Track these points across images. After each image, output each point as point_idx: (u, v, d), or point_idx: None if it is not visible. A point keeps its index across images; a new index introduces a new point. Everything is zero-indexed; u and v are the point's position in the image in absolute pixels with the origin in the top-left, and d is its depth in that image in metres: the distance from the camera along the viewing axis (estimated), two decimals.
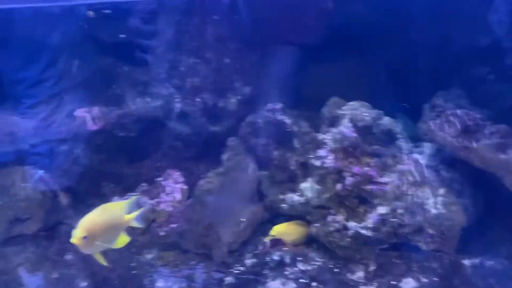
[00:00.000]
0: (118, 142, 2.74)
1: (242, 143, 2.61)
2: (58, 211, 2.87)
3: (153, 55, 2.77)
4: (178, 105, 2.75)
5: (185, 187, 2.76)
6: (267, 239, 2.59)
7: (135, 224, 2.06)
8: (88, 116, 2.77)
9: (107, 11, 2.58)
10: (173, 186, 2.77)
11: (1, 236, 2.72)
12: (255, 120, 2.57)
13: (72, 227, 2.84)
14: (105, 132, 2.71)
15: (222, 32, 2.68)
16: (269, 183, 2.59)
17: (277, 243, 2.58)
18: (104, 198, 2.97)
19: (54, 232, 2.79)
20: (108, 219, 1.97)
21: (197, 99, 2.78)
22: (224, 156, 2.59)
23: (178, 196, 2.75)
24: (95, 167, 2.80)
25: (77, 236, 1.89)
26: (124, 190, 2.82)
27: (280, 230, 2.60)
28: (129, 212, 2.05)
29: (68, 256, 2.78)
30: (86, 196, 2.89)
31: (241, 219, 2.57)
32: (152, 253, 2.67)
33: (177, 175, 2.79)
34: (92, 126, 2.78)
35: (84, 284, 2.74)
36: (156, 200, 2.73)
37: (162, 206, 2.69)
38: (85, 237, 1.89)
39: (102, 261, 2.05)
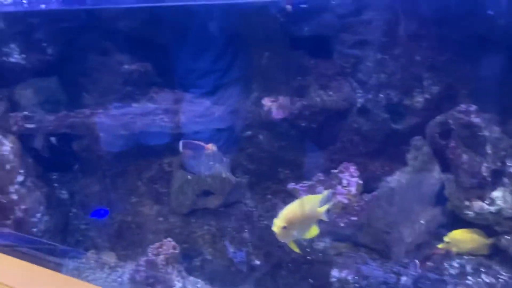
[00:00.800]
0: (299, 132, 2.65)
1: (428, 143, 2.43)
2: (236, 190, 3.02)
3: (340, 49, 2.73)
4: (360, 100, 2.60)
5: (361, 181, 2.68)
6: (441, 246, 2.44)
7: (324, 217, 2.03)
8: (274, 105, 2.83)
9: (303, 5, 2.59)
10: (349, 179, 2.67)
11: (188, 207, 2.91)
12: (446, 120, 2.31)
13: (247, 206, 3.10)
14: (288, 121, 2.64)
15: (415, 29, 2.54)
16: (454, 188, 2.32)
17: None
18: (278, 183, 2.97)
19: (233, 209, 2.86)
20: (306, 211, 1.97)
21: (381, 95, 2.67)
22: (409, 156, 2.35)
23: (353, 189, 2.66)
24: (275, 153, 2.74)
25: (278, 225, 1.92)
26: (298, 177, 2.74)
27: (456, 237, 2.34)
28: (321, 206, 2.02)
29: (245, 234, 2.93)
30: (262, 178, 2.88)
31: (421, 221, 2.45)
32: (324, 242, 2.68)
33: (353, 169, 2.68)
34: (276, 115, 2.81)
35: (258, 262, 2.85)
36: (331, 191, 2.72)
37: (338, 197, 2.64)
38: (284, 227, 1.91)
39: (296, 249, 2.04)
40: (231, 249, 2.66)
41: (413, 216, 2.29)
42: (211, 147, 2.82)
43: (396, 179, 2.34)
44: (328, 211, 2.01)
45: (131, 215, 2.99)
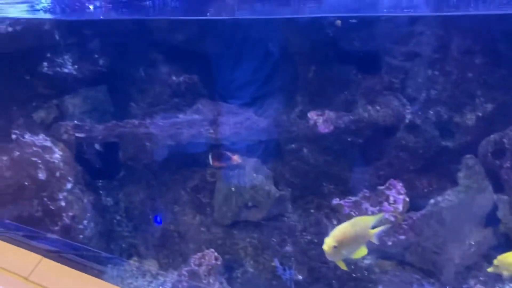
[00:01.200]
0: (344, 146, 2.63)
1: (480, 162, 2.38)
2: (279, 203, 3.01)
3: (389, 64, 2.71)
4: (409, 116, 2.61)
5: (407, 199, 2.64)
6: (490, 270, 2.36)
7: (374, 239, 2.02)
8: (320, 119, 2.83)
9: (353, 21, 2.59)
10: (396, 196, 2.63)
11: (231, 219, 2.88)
12: (500, 139, 2.27)
13: (290, 219, 3.10)
14: (334, 136, 2.63)
15: (468, 45, 2.51)
16: (508, 209, 2.31)
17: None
18: (322, 197, 2.96)
19: (275, 223, 2.85)
20: (357, 232, 1.98)
21: (430, 112, 2.63)
22: (460, 174, 2.31)
23: (400, 207, 2.62)
24: (319, 167, 2.73)
25: (329, 244, 1.94)
26: (343, 192, 2.72)
27: (507, 259, 2.36)
28: (373, 227, 2.02)
29: (287, 248, 2.92)
30: (306, 192, 2.87)
31: (471, 242, 2.39)
32: (369, 259, 2.65)
33: (400, 186, 2.66)
34: (323, 129, 2.81)
35: (300, 277, 2.84)
36: (378, 208, 2.69)
37: (385, 215, 2.58)
38: (335, 247, 1.93)
39: (344, 267, 2.06)
40: (278, 264, 2.65)
41: (463, 237, 2.24)
42: (236, 158, 2.83)
43: (447, 198, 2.30)
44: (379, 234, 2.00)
45: (174, 224, 3.04)
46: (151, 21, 2.87)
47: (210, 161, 2.84)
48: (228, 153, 2.80)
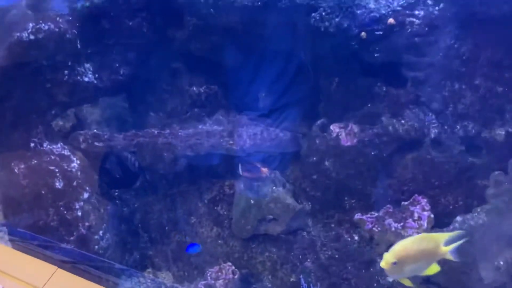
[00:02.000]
0: (368, 160, 2.57)
1: (510, 179, 2.33)
2: (299, 217, 2.96)
3: (414, 77, 2.66)
4: (435, 130, 2.51)
5: (432, 215, 2.58)
6: None
7: (450, 256, 1.91)
8: (343, 132, 2.78)
9: (379, 33, 2.56)
10: (421, 212, 2.57)
11: (249, 232, 2.79)
12: None
13: (310, 234, 3.03)
14: (356, 149, 2.58)
15: (498, 59, 2.46)
16: None
17: None
18: (343, 212, 2.90)
19: (295, 237, 2.78)
20: (422, 249, 1.87)
21: (457, 126, 2.59)
22: (489, 192, 2.26)
23: (424, 223, 2.56)
24: (341, 181, 2.67)
25: (387, 260, 1.86)
26: (365, 207, 2.65)
27: None
28: (448, 244, 1.91)
29: (307, 263, 2.86)
30: (326, 207, 2.80)
31: (500, 262, 2.32)
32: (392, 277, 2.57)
33: (424, 202, 2.60)
34: (345, 142, 2.75)
35: None
36: (401, 224, 2.63)
37: (409, 231, 2.53)
38: (395, 263, 1.84)
39: (409, 284, 1.96)
40: (303, 281, 2.60)
41: (492, 257, 2.18)
42: (266, 171, 2.79)
43: (475, 216, 2.24)
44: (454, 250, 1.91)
45: (190, 236, 3.00)
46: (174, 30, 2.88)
47: (240, 172, 2.80)
48: (258, 165, 2.77)
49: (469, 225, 2.20)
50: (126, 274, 2.90)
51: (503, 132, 2.36)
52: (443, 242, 1.88)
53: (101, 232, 2.82)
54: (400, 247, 1.85)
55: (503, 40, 2.35)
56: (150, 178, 2.91)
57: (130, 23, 2.81)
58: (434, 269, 1.89)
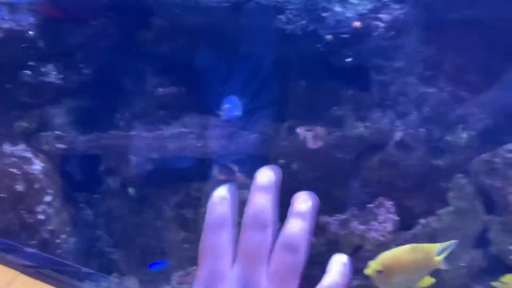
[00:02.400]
0: (334, 163, 2.58)
1: (472, 182, 2.38)
2: None
3: (379, 81, 2.69)
4: (399, 134, 2.58)
5: (397, 218, 2.61)
6: (495, 284, 2.20)
7: (442, 266, 1.87)
8: (309, 135, 2.79)
9: (345, 36, 2.57)
10: (386, 215, 2.61)
11: None
12: (491, 159, 2.27)
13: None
14: (323, 152, 2.58)
15: (460, 63, 2.50)
16: (499, 231, 2.27)
17: None
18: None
19: None
20: (412, 259, 1.82)
21: (421, 130, 2.63)
22: (451, 194, 2.30)
23: (389, 226, 2.59)
24: (308, 183, 2.69)
25: (372, 268, 1.81)
26: (332, 210, 2.73)
27: None
28: (439, 254, 1.86)
29: None
30: None
31: (462, 264, 2.34)
32: (358, 279, 2.58)
33: (389, 204, 2.63)
34: (312, 145, 2.77)
35: None
36: (366, 226, 2.64)
37: (373, 234, 2.56)
38: (380, 272, 1.80)
39: None
40: None
41: (453, 259, 2.20)
42: (223, 176, 2.78)
43: (437, 218, 2.26)
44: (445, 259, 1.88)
45: (156, 240, 2.96)
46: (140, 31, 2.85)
47: (217, 175, 2.78)
48: (232, 167, 2.75)
49: (430, 228, 2.24)
50: (91, 278, 2.85)
51: (466, 136, 2.40)
52: (435, 253, 1.84)
53: (64, 236, 2.77)
54: (388, 255, 1.82)
55: (465, 44, 2.40)
56: (115, 181, 2.88)
57: (95, 23, 2.79)
58: (428, 280, 1.86)
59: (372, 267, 1.83)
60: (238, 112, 3.03)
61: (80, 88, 2.83)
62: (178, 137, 2.82)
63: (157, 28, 2.77)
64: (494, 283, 2.18)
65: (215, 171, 2.79)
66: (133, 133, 2.74)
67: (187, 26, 2.71)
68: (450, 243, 1.90)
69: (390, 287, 1.87)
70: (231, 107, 3.00)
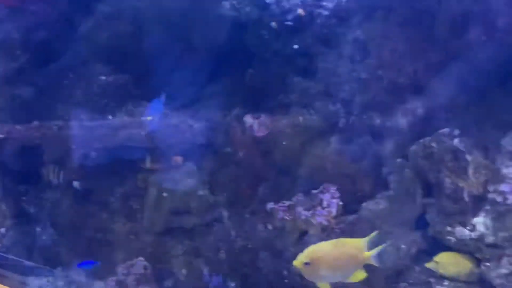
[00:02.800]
0: (280, 150, 2.60)
1: (411, 166, 2.39)
2: (214, 209, 2.87)
3: (323, 68, 2.72)
4: (342, 120, 2.62)
5: (341, 203, 2.65)
6: (428, 265, 2.28)
7: (373, 261, 1.88)
8: (256, 123, 2.79)
9: (289, 23, 2.59)
10: (330, 200, 2.66)
11: (162, 226, 2.71)
12: (429, 144, 2.29)
13: (225, 225, 2.94)
14: (269, 139, 2.60)
15: (400, 50, 2.55)
16: (436, 213, 2.31)
17: None
18: (258, 202, 2.88)
19: (210, 229, 2.72)
20: (339, 253, 1.85)
21: (364, 116, 2.69)
22: (391, 178, 2.35)
23: (333, 211, 2.63)
24: (255, 171, 2.70)
25: (299, 260, 1.84)
26: (278, 197, 2.78)
27: (446, 259, 2.27)
28: (370, 249, 1.87)
29: (221, 255, 2.82)
30: (241, 197, 2.75)
31: (402, 246, 2.41)
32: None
33: (334, 189, 2.67)
34: (258, 132, 2.78)
35: (233, 285, 2.75)
36: (311, 212, 2.68)
37: (318, 219, 2.60)
38: (307, 264, 1.83)
39: None
40: (205, 271, 2.59)
41: (394, 241, 2.27)
42: (179, 159, 2.75)
43: (378, 202, 2.33)
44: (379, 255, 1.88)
45: (102, 232, 2.90)
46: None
47: (147, 163, 2.74)
48: (173, 156, 2.71)
49: (371, 211, 2.30)
50: (35, 272, 2.78)
51: (405, 121, 2.48)
52: (364, 247, 1.86)
53: (3, 230, 2.68)
54: (315, 249, 1.84)
55: (405, 31, 2.46)
56: (57, 172, 2.80)
57: (34, 7, 2.69)
58: (360, 275, 1.87)
59: (299, 259, 1.87)
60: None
61: (18, 75, 2.76)
62: (123, 126, 2.79)
63: (100, 14, 2.74)
64: (427, 264, 2.28)
65: (161, 161, 2.76)
66: (75, 122, 2.70)
67: (131, 13, 2.67)
68: (373, 236, 1.92)
69: (318, 279, 1.90)
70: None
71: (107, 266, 2.88)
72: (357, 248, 1.88)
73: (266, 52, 2.64)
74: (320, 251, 1.86)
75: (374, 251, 1.90)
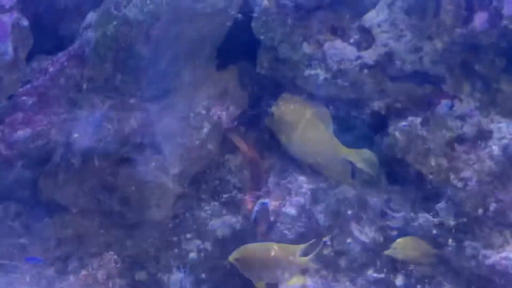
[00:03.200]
0: (249, 141, 2.65)
1: (376, 153, 2.41)
2: (184, 201, 2.83)
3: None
4: (309, 111, 2.62)
5: (309, 192, 2.70)
6: (388, 252, 2.37)
7: (313, 265, 2.07)
8: (224, 114, 2.81)
9: (254, 14, 2.59)
10: (298, 190, 2.71)
11: (132, 219, 2.69)
12: (394, 132, 2.34)
13: (195, 217, 2.90)
14: (239, 130, 2.66)
15: None
16: (400, 200, 2.38)
17: None
18: (227, 193, 2.80)
19: (179, 221, 2.73)
20: (271, 256, 2.02)
21: (329, 107, 2.67)
22: (358, 165, 2.39)
23: (302, 200, 2.68)
24: (224, 162, 2.71)
25: (232, 256, 2.11)
26: (248, 187, 2.68)
27: (404, 244, 2.35)
28: (306, 254, 2.05)
29: (192, 247, 2.80)
30: (211, 188, 2.75)
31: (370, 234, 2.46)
32: None
33: (301, 179, 2.73)
34: (227, 124, 2.81)
35: (203, 276, 2.75)
36: (280, 202, 2.72)
37: (288, 209, 2.64)
38: (237, 260, 2.07)
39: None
40: (174, 263, 2.61)
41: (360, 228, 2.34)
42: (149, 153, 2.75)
43: (345, 190, 2.39)
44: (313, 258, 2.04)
45: (71, 227, 2.88)
46: None
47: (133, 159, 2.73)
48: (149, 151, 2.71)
49: (336, 199, 2.37)
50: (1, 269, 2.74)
51: (369, 112, 2.51)
52: (298, 252, 2.02)
53: None
54: (247, 248, 2.06)
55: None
56: (21, 165, 2.76)
57: None
58: (298, 280, 2.03)
59: (232, 254, 2.11)
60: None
61: None
62: (91, 120, 2.76)
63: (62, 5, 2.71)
64: (387, 252, 2.35)
65: (131, 155, 2.75)
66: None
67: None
68: (308, 244, 2.10)
69: (253, 277, 2.08)
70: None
71: (78, 261, 2.88)
72: (290, 252, 2.06)
73: (232, 43, 2.65)
74: (251, 251, 2.08)
75: (312, 255, 2.06)
